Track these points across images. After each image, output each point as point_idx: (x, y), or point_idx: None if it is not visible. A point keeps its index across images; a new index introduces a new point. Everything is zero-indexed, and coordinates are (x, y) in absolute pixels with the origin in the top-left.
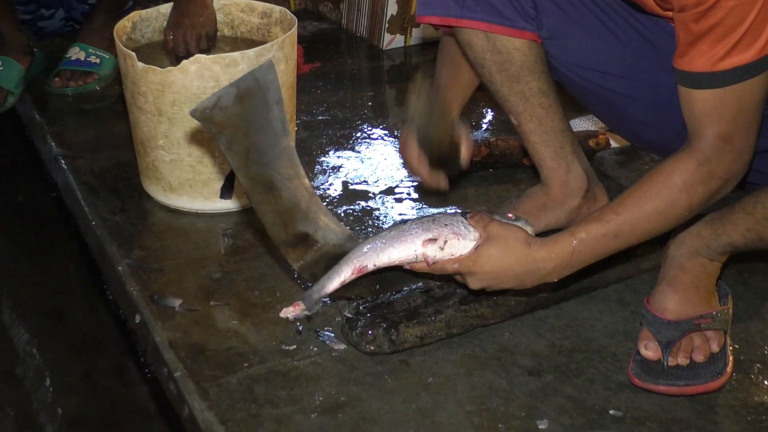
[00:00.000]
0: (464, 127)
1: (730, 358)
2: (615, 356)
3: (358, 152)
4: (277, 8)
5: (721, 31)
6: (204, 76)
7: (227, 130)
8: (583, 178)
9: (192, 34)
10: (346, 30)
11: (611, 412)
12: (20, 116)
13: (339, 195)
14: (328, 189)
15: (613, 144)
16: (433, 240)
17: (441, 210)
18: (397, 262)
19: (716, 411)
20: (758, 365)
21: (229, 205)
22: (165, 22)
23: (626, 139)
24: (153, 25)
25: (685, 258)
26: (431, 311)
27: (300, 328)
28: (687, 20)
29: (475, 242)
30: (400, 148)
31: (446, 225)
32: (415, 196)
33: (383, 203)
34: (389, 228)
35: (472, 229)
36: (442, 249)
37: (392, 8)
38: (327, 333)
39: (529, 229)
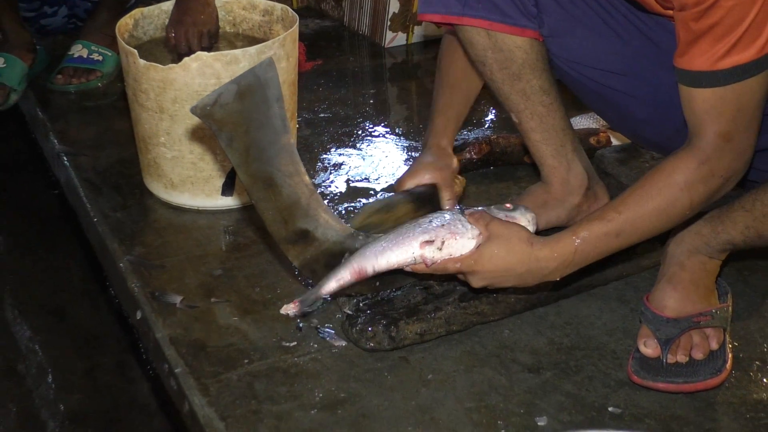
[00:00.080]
0: (452, 168)
1: (730, 355)
2: (614, 353)
3: (360, 150)
4: (278, 6)
5: (721, 30)
6: (205, 73)
7: (227, 127)
8: (583, 176)
9: (194, 31)
10: (348, 28)
11: (610, 409)
12: (23, 113)
13: (341, 192)
14: (330, 186)
15: (614, 142)
16: (430, 242)
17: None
18: (396, 266)
19: (715, 408)
20: (757, 363)
21: (230, 202)
22: (167, 20)
23: (627, 137)
24: (155, 23)
25: (684, 256)
26: (431, 308)
27: (300, 325)
28: (687, 19)
29: (473, 239)
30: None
31: (443, 225)
32: None
33: None
34: (388, 230)
35: (470, 226)
36: (440, 249)
37: (394, 6)
38: (327, 330)
39: (529, 217)
